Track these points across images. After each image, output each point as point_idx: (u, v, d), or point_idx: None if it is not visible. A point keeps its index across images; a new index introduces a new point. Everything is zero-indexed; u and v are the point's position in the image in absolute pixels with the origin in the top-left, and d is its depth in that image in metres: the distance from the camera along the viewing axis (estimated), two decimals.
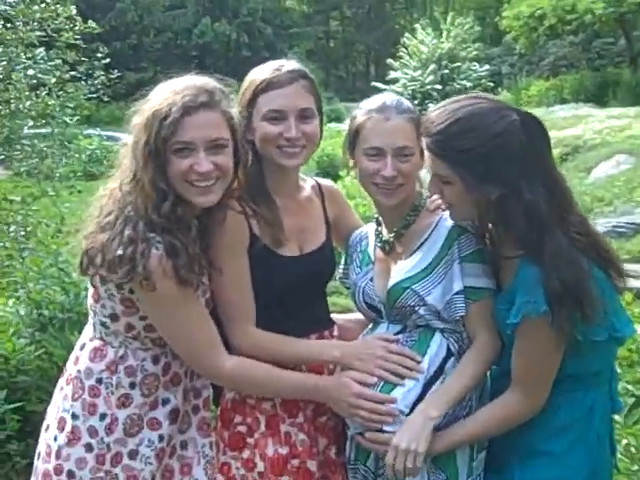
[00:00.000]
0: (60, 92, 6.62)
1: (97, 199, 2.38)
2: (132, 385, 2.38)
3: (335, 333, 2.63)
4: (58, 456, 2.37)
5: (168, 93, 2.29)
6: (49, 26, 6.79)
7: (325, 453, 2.54)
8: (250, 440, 2.48)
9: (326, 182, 2.79)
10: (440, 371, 2.37)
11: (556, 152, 12.69)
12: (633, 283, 5.45)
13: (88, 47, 7.75)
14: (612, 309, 2.32)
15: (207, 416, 2.51)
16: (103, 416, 2.37)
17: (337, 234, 2.73)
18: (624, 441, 3.01)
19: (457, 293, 2.38)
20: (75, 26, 6.94)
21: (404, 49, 23.78)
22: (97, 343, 2.43)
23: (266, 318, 2.46)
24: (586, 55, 24.72)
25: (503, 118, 2.27)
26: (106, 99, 7.79)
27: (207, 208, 2.38)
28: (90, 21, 7.31)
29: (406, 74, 22.85)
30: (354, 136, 2.49)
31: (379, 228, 2.59)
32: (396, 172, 2.40)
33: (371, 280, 2.55)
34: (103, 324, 2.39)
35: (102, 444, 2.36)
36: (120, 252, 2.20)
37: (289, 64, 2.48)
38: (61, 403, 2.44)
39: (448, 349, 2.41)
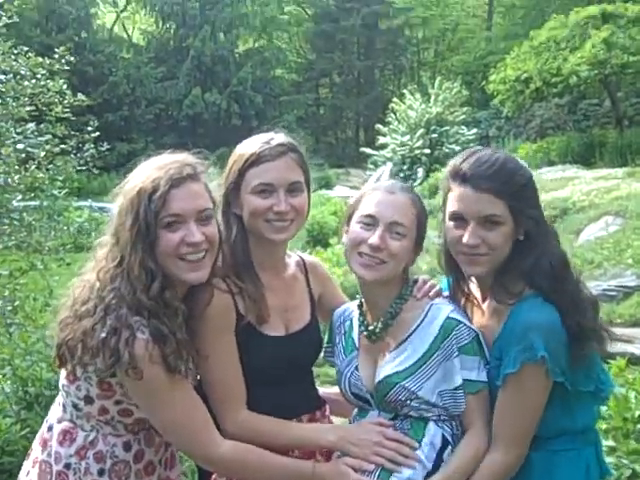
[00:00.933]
0: (50, 165, 6.63)
1: (71, 289, 2.34)
2: (101, 472, 2.31)
3: (327, 412, 2.59)
4: None
5: (150, 170, 2.29)
6: (40, 100, 6.85)
7: None
8: None
9: (309, 258, 2.78)
10: (439, 462, 2.34)
11: (545, 214, 12.74)
12: (626, 348, 5.40)
13: (79, 120, 7.83)
14: (597, 363, 2.41)
15: None
16: (101, 472, 2.31)
17: (321, 311, 2.70)
18: None
19: (457, 388, 2.35)
20: (65, 100, 7.00)
21: (392, 114, 24.06)
22: (66, 425, 2.36)
23: (256, 400, 2.41)
24: (572, 117, 25.00)
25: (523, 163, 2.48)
26: (96, 171, 7.81)
27: (190, 290, 2.35)
28: (80, 94, 7.38)
29: (395, 139, 23.06)
30: (354, 206, 2.47)
31: (363, 311, 2.54)
32: (383, 244, 2.36)
33: (356, 369, 2.49)
34: (75, 406, 2.33)
35: None
36: (103, 336, 2.15)
37: (278, 137, 2.48)
38: None
39: (444, 438, 2.36)
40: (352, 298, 2.75)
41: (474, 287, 2.54)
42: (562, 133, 23.58)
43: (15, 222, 6.26)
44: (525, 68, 21.89)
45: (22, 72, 6.54)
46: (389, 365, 2.41)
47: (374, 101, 35.39)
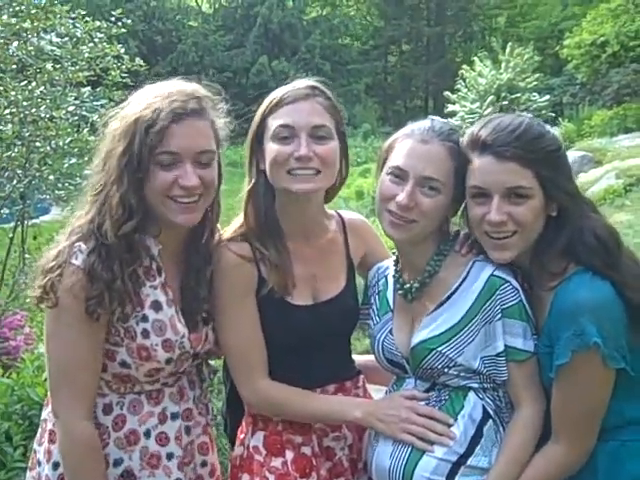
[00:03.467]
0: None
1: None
2: None
3: (360, 383, 2.38)
4: None
5: (153, 98, 2.07)
6: (97, 65, 6.79)
7: None
8: None
9: (352, 216, 2.52)
10: (479, 437, 2.10)
11: (619, 183, 12.25)
12: None
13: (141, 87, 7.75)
14: None
15: None
16: (56, 465, 2.16)
17: (365, 271, 2.49)
18: None
19: (499, 354, 2.10)
20: (122, 64, 6.92)
21: (462, 81, 23.50)
22: None
23: (280, 367, 2.23)
24: None
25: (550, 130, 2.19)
26: None
27: (207, 251, 2.18)
28: (138, 59, 7.30)
29: (464, 107, 22.52)
30: (387, 151, 2.20)
31: (398, 268, 2.29)
32: (412, 202, 2.09)
33: (390, 332, 2.26)
34: None
35: None
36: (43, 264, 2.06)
37: (305, 81, 2.25)
38: (35, 445, 2.29)
39: (484, 410, 2.12)
40: None
41: None
42: None
43: (70, 187, 6.24)
44: (601, 31, 21.18)
45: (78, 35, 6.47)
46: (426, 329, 2.18)
47: (443, 69, 34.65)
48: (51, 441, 2.20)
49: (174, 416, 2.25)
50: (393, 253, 2.38)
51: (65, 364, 2.09)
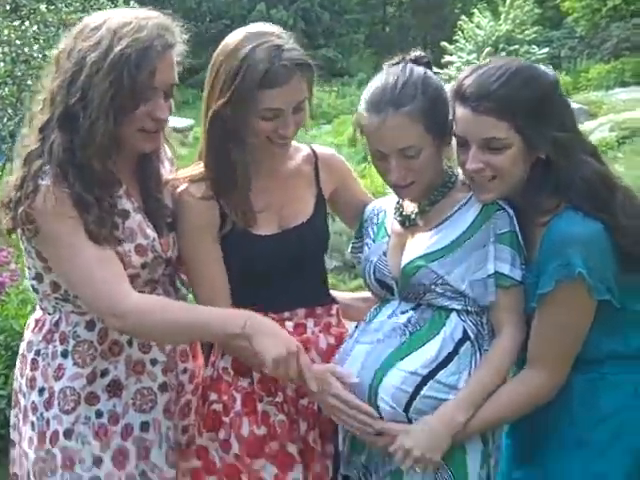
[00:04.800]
0: None
1: None
2: (64, 354, 2.21)
3: (333, 312, 2.43)
4: (19, 433, 2.29)
5: (134, 32, 2.10)
6: (92, 7, 6.76)
7: (305, 439, 2.34)
8: (225, 419, 2.32)
9: (323, 150, 2.56)
10: (454, 354, 2.16)
11: (613, 135, 12.26)
12: None
13: None
14: None
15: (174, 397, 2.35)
16: (41, 390, 2.22)
17: (338, 207, 2.55)
18: None
19: (489, 276, 2.17)
20: (116, 7, 6.89)
21: (460, 33, 23.29)
22: (37, 314, 2.28)
23: (249, 297, 2.28)
24: None
25: (546, 73, 2.20)
26: None
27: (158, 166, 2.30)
28: (132, 2, 7.26)
29: (461, 57, 22.34)
30: (359, 127, 2.28)
31: (400, 201, 2.36)
32: (403, 172, 2.17)
33: (384, 254, 2.33)
34: (35, 289, 2.24)
35: (42, 420, 2.20)
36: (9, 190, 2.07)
37: (293, 53, 2.27)
38: (15, 384, 2.33)
39: (464, 332, 2.18)
40: None
41: None
42: (639, 53, 22.56)
43: None
44: None
45: None
46: (420, 247, 2.25)
47: (442, 20, 34.26)
48: (34, 369, 2.25)
49: None
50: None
51: (92, 274, 2.11)
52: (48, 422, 2.21)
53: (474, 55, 22.03)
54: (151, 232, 2.27)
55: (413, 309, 2.25)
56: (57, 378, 2.21)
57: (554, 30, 27.32)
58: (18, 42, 5.71)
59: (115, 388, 2.25)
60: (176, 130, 11.34)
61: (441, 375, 2.15)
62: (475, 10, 23.98)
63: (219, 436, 2.33)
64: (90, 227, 2.08)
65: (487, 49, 21.76)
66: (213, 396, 2.37)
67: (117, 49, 2.06)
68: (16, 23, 6.05)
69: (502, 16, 22.77)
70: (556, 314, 2.12)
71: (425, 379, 2.15)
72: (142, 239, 2.24)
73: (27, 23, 6.05)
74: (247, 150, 2.28)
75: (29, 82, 5.85)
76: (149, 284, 2.30)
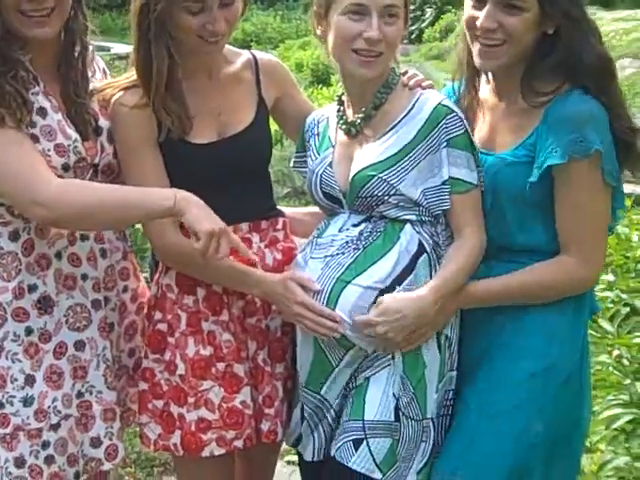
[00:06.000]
0: None
1: None
2: None
3: (279, 226, 2.34)
4: None
5: None
6: None
7: (254, 359, 2.27)
8: (171, 340, 2.24)
9: (264, 56, 2.43)
10: (411, 268, 2.08)
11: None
12: (634, 189, 5.24)
13: None
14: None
15: (110, 315, 2.27)
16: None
17: (280, 118, 2.42)
18: (615, 352, 2.80)
19: (444, 182, 2.09)
20: None
21: None
22: None
23: None
24: None
25: None
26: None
27: (83, 65, 2.22)
28: None
29: None
30: (327, 1, 2.10)
31: (342, 108, 2.23)
32: (381, 35, 2.04)
33: (330, 166, 2.22)
34: None
35: None
36: None
37: None
38: None
39: (420, 244, 2.10)
40: None
41: (488, 91, 2.25)
42: None
43: None
44: None
45: None
46: (369, 156, 2.14)
47: None
48: None
49: (84, 237, 2.22)
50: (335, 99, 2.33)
51: (12, 165, 2.04)
52: None
53: None
54: (73, 133, 2.16)
55: (364, 221, 2.16)
56: None
57: None
58: None
59: (45, 305, 2.15)
60: (119, 57, 10.88)
61: (398, 290, 2.08)
62: None
63: (164, 357, 2.26)
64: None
65: None
66: (158, 315, 2.28)
67: None
68: None
69: None
70: (573, 193, 2.05)
71: (382, 293, 2.07)
72: (62, 139, 2.13)
73: None
74: (174, 47, 2.15)
75: None
76: None
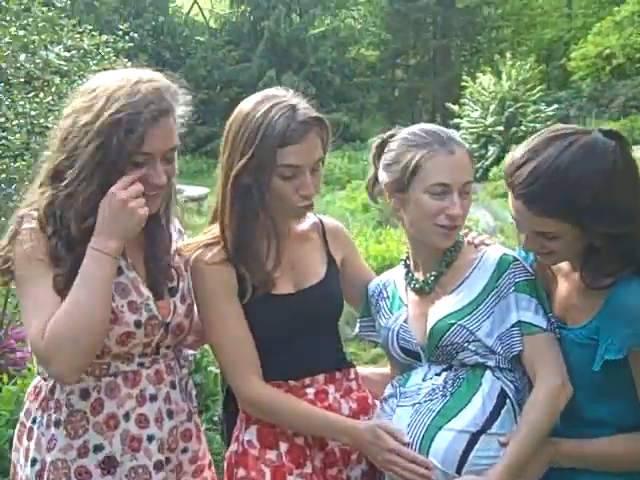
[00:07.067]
0: None
1: None
2: (57, 423, 2.14)
3: (352, 376, 2.41)
4: None
5: (126, 96, 2.05)
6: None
7: None
8: None
9: (330, 221, 2.56)
10: (497, 412, 2.14)
11: None
12: None
13: None
14: None
15: (170, 476, 2.26)
16: (34, 462, 2.15)
17: (344, 278, 2.50)
18: None
19: (513, 326, 2.17)
20: None
21: (466, 94, 23.56)
22: (37, 380, 2.22)
23: (269, 361, 2.27)
24: None
25: (604, 154, 2.07)
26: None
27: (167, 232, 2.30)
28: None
29: (467, 116, 22.58)
30: (412, 172, 2.23)
31: (410, 269, 2.37)
32: (462, 211, 2.20)
33: (405, 322, 2.32)
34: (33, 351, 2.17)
35: None
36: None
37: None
38: (13, 455, 2.25)
39: (502, 390, 2.16)
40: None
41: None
42: None
43: None
44: (607, 44, 21.18)
45: (85, 47, 6.53)
46: (445, 308, 2.24)
47: (450, 82, 34.68)
48: (29, 438, 2.19)
49: (152, 398, 2.24)
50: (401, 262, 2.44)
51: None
52: None
53: (478, 112, 22.23)
54: (146, 291, 2.22)
55: (445, 370, 2.24)
56: (49, 449, 2.14)
57: (562, 90, 27.61)
58: (33, 113, 5.78)
59: (109, 465, 2.16)
60: (191, 199, 11.31)
61: (492, 429, 2.13)
62: (480, 73, 24.27)
63: None
64: (57, 280, 2.07)
65: (492, 107, 21.94)
66: (241, 472, 2.30)
67: (107, 113, 2.04)
68: (31, 95, 6.13)
69: (503, 76, 22.98)
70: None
71: (473, 436, 2.12)
72: (136, 296, 2.19)
73: (42, 95, 6.12)
74: (267, 212, 2.27)
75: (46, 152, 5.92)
76: (148, 350, 2.24)
